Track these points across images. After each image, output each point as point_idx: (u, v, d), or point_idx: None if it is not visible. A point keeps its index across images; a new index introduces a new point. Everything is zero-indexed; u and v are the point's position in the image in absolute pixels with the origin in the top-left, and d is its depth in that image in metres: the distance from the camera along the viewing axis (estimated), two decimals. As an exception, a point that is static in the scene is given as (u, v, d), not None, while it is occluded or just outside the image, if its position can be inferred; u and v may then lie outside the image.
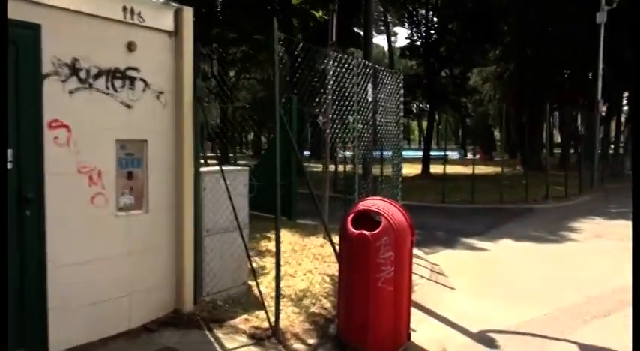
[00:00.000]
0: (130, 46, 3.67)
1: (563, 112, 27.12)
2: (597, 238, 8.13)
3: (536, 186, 14.97)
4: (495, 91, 27.29)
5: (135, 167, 3.81)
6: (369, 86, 5.56)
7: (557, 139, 42.14)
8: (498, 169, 26.01)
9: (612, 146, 25.13)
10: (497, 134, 59.81)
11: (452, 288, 5.28)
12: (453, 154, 36.56)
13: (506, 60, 22.70)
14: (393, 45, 34.73)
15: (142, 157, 3.84)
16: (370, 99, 5.71)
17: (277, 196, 3.85)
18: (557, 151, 32.01)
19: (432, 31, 19.75)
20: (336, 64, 5.28)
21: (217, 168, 4.36)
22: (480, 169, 23.98)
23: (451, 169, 23.70)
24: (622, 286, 5.27)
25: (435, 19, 19.90)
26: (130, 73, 3.69)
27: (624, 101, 30.67)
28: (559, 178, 16.18)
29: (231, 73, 34.58)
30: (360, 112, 5.63)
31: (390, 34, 33.30)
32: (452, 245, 7.64)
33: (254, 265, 5.70)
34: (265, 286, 4.54)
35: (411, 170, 23.31)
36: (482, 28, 18.73)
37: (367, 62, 5.41)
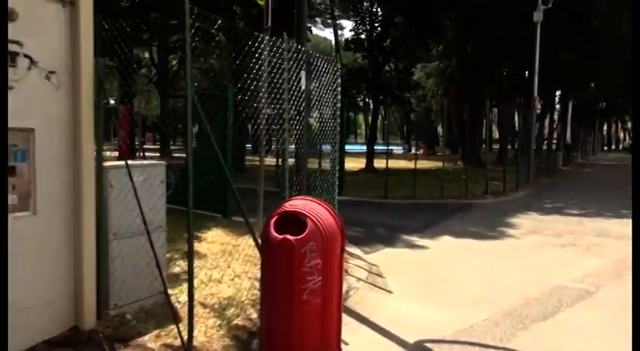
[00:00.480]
0: (11, 15, 3.04)
1: (501, 109, 28.04)
2: (534, 234, 8.17)
3: (476, 181, 15.18)
4: (438, 87, 27.72)
5: (19, 161, 3.20)
6: (302, 74, 5.13)
7: (497, 135, 43.73)
8: (440, 164, 26.58)
9: (546, 142, 26.17)
10: (440, 130, 61.61)
11: (390, 292, 4.99)
12: (398, 149, 36.99)
13: (448, 56, 23.05)
14: (340, 38, 34.52)
15: (28, 149, 3.23)
16: (303, 87, 5.29)
17: (190, 194, 3.35)
18: (496, 146, 33.11)
19: (377, 24, 19.64)
20: (268, 49, 4.81)
21: (123, 162, 3.81)
22: (423, 164, 24.30)
23: (395, 164, 23.91)
24: (559, 286, 5.19)
25: (380, 11, 19.80)
26: (11, 47, 3.06)
27: (557, 99, 32.15)
28: (498, 174, 16.50)
29: (174, 62, 33.18)
30: (292, 102, 5.20)
31: (336, 27, 33.04)
32: (392, 243, 7.40)
33: (178, 269, 5.20)
34: (187, 294, 4.04)
35: (355, 164, 23.24)
36: (426, 23, 18.80)
37: (300, 47, 4.97)
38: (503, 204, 11.72)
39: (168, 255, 4.84)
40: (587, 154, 36.21)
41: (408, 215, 10.01)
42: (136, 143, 18.06)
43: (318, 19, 36.61)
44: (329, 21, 34.03)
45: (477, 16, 19.26)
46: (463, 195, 12.43)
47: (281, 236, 2.91)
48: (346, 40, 22.11)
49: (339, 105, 6.50)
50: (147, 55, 33.41)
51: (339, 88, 6.49)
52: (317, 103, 5.92)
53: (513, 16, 18.29)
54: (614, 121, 72.97)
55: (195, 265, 4.99)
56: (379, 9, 19.79)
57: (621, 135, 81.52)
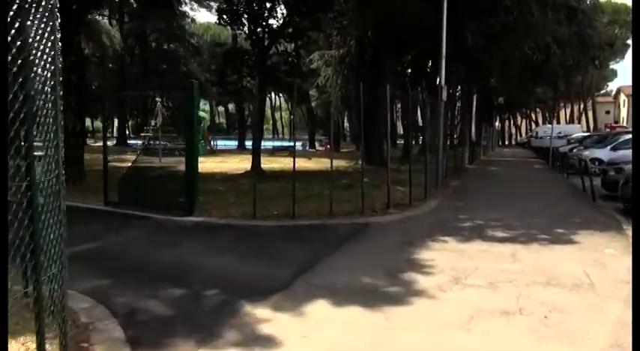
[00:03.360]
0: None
1: (405, 100, 25.99)
2: (458, 286, 5.19)
3: (378, 186, 12.30)
4: (337, 75, 24.98)
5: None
6: None
7: (401, 130, 42.32)
8: (343, 163, 23.79)
9: (448, 138, 24.41)
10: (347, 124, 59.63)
11: None
12: (298, 146, 33.86)
13: (344, 35, 20.28)
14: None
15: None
16: None
17: None
18: (400, 142, 31.17)
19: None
20: None
21: None
22: (319, 163, 21.45)
23: (288, 164, 20.80)
24: None
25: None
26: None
27: (457, 94, 30.76)
28: (402, 175, 13.78)
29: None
30: None
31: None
32: (215, 335, 3.97)
33: None
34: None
35: (242, 165, 19.72)
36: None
37: None
38: (410, 223, 8.78)
39: None
40: (487, 150, 35.68)
41: (273, 252, 6.66)
42: None
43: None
44: None
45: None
46: (359, 210, 9.38)
47: None
48: (219, 9, 18.21)
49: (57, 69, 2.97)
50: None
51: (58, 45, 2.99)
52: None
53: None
54: (507, 117, 76.25)
55: None
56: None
57: (513, 131, 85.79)
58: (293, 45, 18.33)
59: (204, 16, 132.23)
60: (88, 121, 58.00)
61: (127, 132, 49.72)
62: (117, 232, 7.66)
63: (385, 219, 8.96)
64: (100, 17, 33.68)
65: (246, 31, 16.73)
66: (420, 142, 28.63)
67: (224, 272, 5.69)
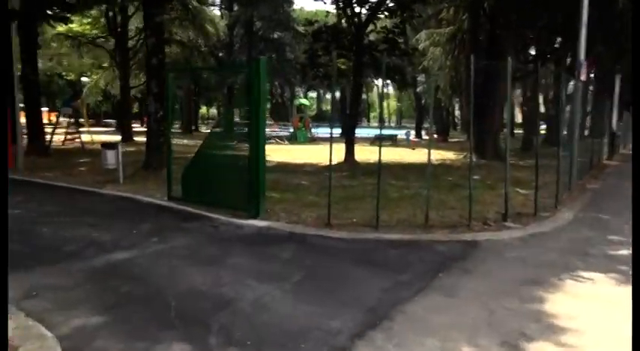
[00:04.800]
0: None
1: (527, 82, 22.46)
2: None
3: (491, 187, 9.94)
4: (446, 56, 22.19)
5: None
6: None
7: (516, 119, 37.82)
8: (449, 155, 21.15)
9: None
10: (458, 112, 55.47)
11: None
12: (401, 134, 31.53)
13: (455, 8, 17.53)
14: None
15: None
16: None
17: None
18: (518, 132, 27.43)
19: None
20: None
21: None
22: (426, 155, 19.02)
23: (390, 155, 18.79)
24: None
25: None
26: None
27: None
28: (524, 173, 11.25)
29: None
30: None
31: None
32: None
33: None
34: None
35: (336, 155, 18.07)
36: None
37: None
38: (537, 245, 6.38)
39: None
40: (628, 141, 30.35)
41: (339, 282, 4.83)
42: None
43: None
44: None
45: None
46: (465, 221, 7.19)
47: None
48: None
49: None
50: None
51: None
52: None
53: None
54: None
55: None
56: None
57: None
58: (395, 21, 16.15)
59: (312, 5, 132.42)
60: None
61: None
62: (161, 238, 6.39)
63: (501, 236, 6.67)
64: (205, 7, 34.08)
65: (341, 5, 14.92)
66: (544, 133, 24.78)
67: (260, 313, 4.02)
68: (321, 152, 19.83)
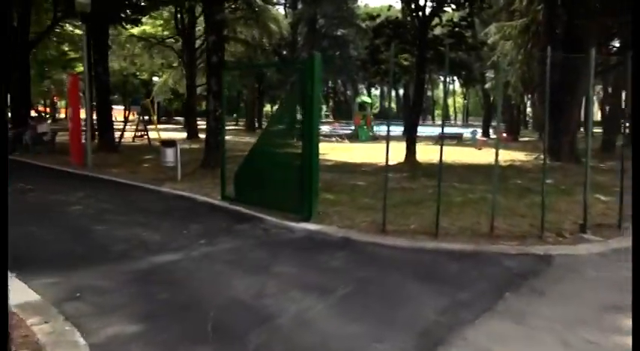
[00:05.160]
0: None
1: (607, 77, 20.61)
2: None
3: (567, 193, 9.07)
4: (518, 51, 20.83)
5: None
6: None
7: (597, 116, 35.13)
8: (519, 156, 19.86)
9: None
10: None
11: None
12: (467, 133, 30.19)
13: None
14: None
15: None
16: None
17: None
18: (597, 131, 25.36)
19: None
20: None
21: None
22: (488, 156, 17.93)
23: (454, 154, 17.89)
24: None
25: None
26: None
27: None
28: (605, 177, 10.20)
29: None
30: None
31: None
32: None
33: None
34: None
35: (397, 154, 17.45)
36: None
37: None
38: (621, 263, 5.57)
39: None
40: None
41: (390, 300, 4.39)
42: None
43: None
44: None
45: None
46: (537, 231, 6.47)
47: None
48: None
49: None
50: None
51: None
52: None
53: None
54: None
55: None
56: None
57: None
58: (462, 14, 15.28)
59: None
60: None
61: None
62: (210, 240, 6.24)
63: (578, 251, 5.92)
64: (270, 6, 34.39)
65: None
66: (626, 132, 22.72)
67: (301, 331, 3.68)
68: (382, 151, 19.28)
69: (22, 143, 16.24)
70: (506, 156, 17.57)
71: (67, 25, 26.12)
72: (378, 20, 15.33)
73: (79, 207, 8.02)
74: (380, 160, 15.97)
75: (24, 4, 19.82)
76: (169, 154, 10.74)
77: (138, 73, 50.54)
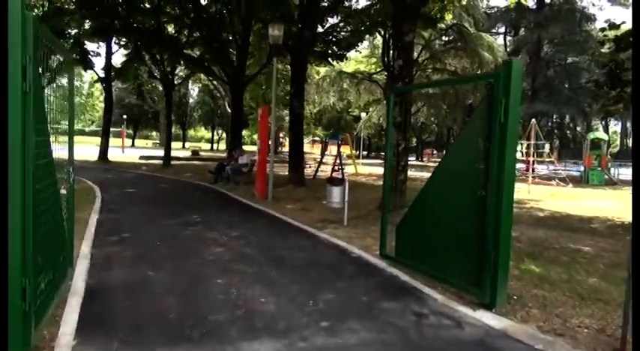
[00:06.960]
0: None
1: None
2: None
3: None
4: None
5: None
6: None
7: None
8: None
9: None
10: None
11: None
12: None
13: None
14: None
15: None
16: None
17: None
18: None
19: None
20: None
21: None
22: None
23: None
24: None
25: None
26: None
27: None
28: None
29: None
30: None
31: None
32: None
33: None
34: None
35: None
36: None
37: None
38: None
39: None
40: None
41: None
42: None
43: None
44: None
45: None
46: None
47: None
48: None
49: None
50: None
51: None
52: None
53: None
54: None
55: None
56: None
57: None
58: None
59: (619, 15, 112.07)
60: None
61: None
62: (333, 324, 4.38)
63: None
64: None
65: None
66: None
67: None
68: (622, 200, 14.75)
69: (225, 174, 17.09)
70: None
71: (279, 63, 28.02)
72: (624, 28, 11.57)
73: (219, 250, 7.09)
74: (618, 213, 11.90)
75: (242, 49, 21.63)
76: (335, 193, 9.35)
77: (350, 110, 52.67)
